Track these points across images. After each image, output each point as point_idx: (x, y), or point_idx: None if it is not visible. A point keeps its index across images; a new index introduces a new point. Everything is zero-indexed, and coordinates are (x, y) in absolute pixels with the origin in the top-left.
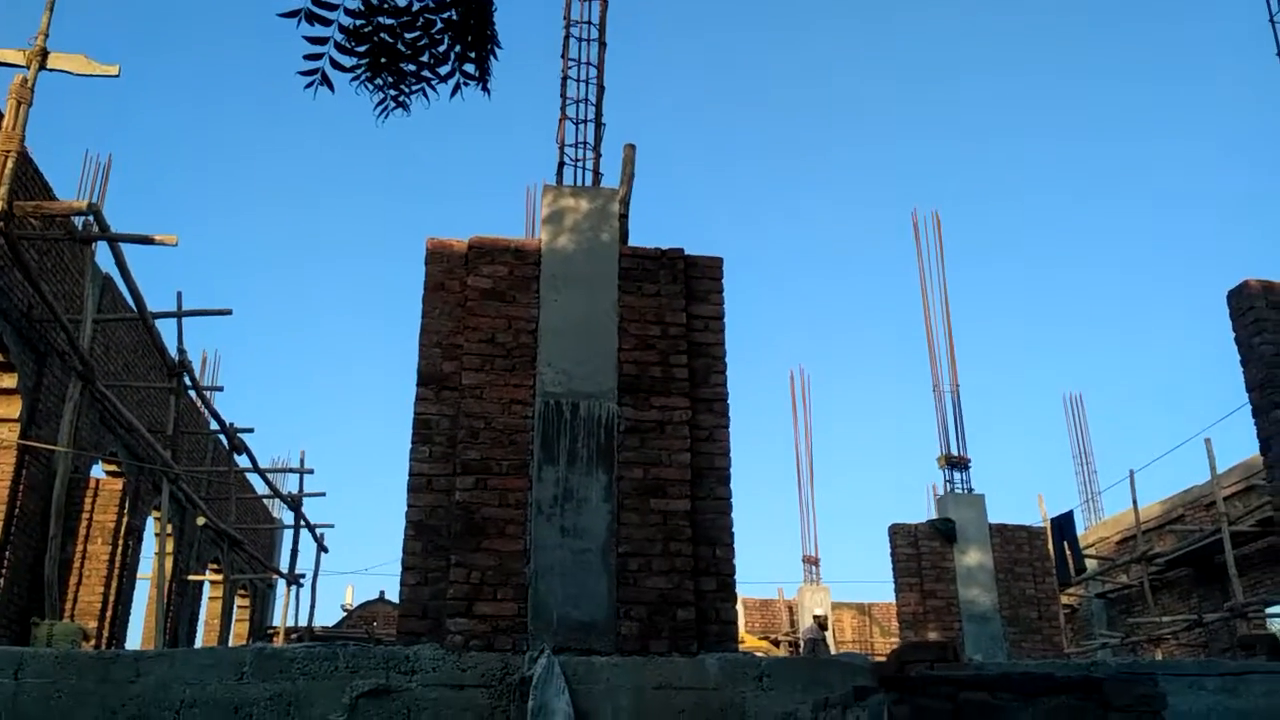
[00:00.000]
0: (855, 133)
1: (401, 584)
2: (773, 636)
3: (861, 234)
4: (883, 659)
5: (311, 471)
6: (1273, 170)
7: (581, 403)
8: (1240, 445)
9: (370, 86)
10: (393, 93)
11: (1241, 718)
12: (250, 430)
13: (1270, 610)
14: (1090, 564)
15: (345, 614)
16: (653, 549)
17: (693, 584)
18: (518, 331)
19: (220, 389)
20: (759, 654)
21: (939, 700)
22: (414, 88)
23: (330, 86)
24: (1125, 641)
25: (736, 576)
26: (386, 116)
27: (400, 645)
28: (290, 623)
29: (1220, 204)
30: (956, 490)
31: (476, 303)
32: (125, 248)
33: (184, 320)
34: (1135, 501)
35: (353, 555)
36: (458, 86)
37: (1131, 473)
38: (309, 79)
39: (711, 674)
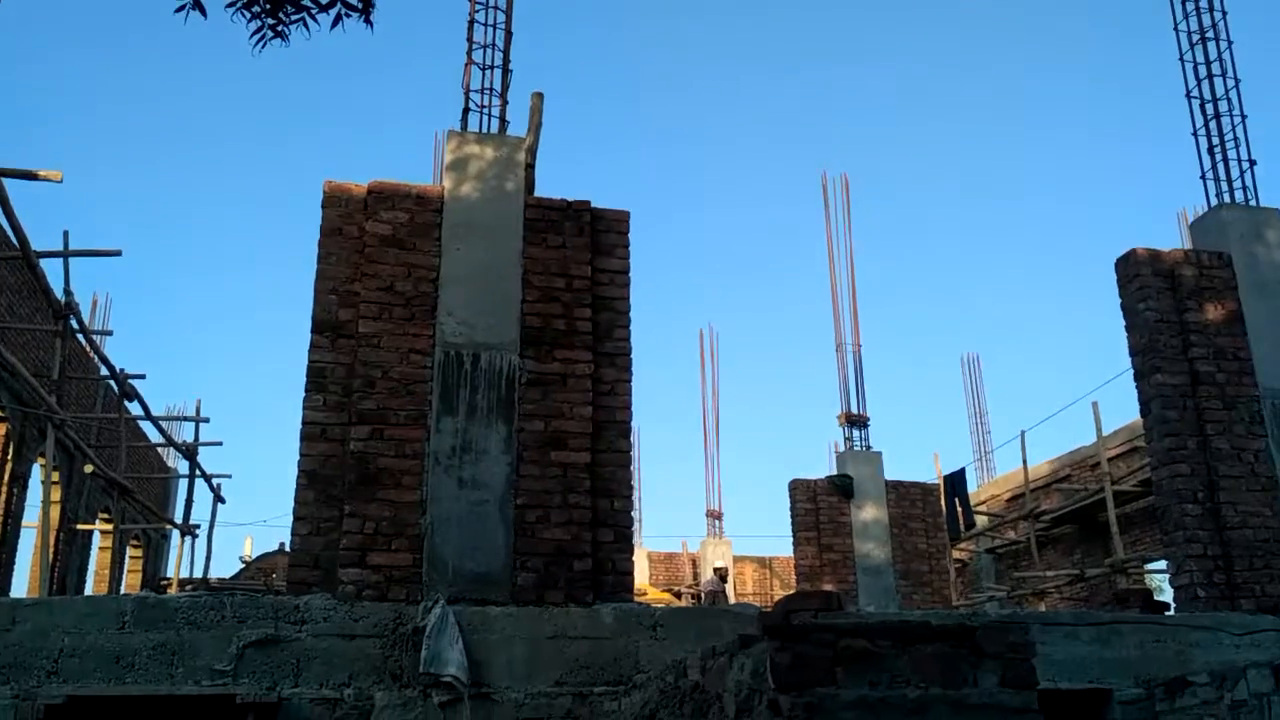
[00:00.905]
0: (773, 83)
1: (293, 534)
2: (675, 589)
3: (776, 192)
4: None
5: (207, 420)
6: (1157, 146)
7: (483, 354)
8: (1126, 408)
9: (246, 14)
10: (270, 21)
11: (1114, 666)
12: (142, 376)
13: (1149, 566)
14: (981, 520)
15: (243, 565)
16: (551, 501)
17: (590, 535)
18: (418, 280)
19: (110, 333)
20: (655, 605)
21: (820, 648)
22: (293, 17)
23: (202, 11)
24: (1011, 594)
25: (641, 530)
26: (263, 46)
27: (291, 595)
28: (185, 574)
29: (1113, 175)
30: (856, 448)
31: (375, 249)
32: (9, 188)
33: (72, 262)
34: (1025, 461)
35: (252, 506)
36: (339, 18)
37: (1022, 433)
38: (180, 2)
39: (606, 624)
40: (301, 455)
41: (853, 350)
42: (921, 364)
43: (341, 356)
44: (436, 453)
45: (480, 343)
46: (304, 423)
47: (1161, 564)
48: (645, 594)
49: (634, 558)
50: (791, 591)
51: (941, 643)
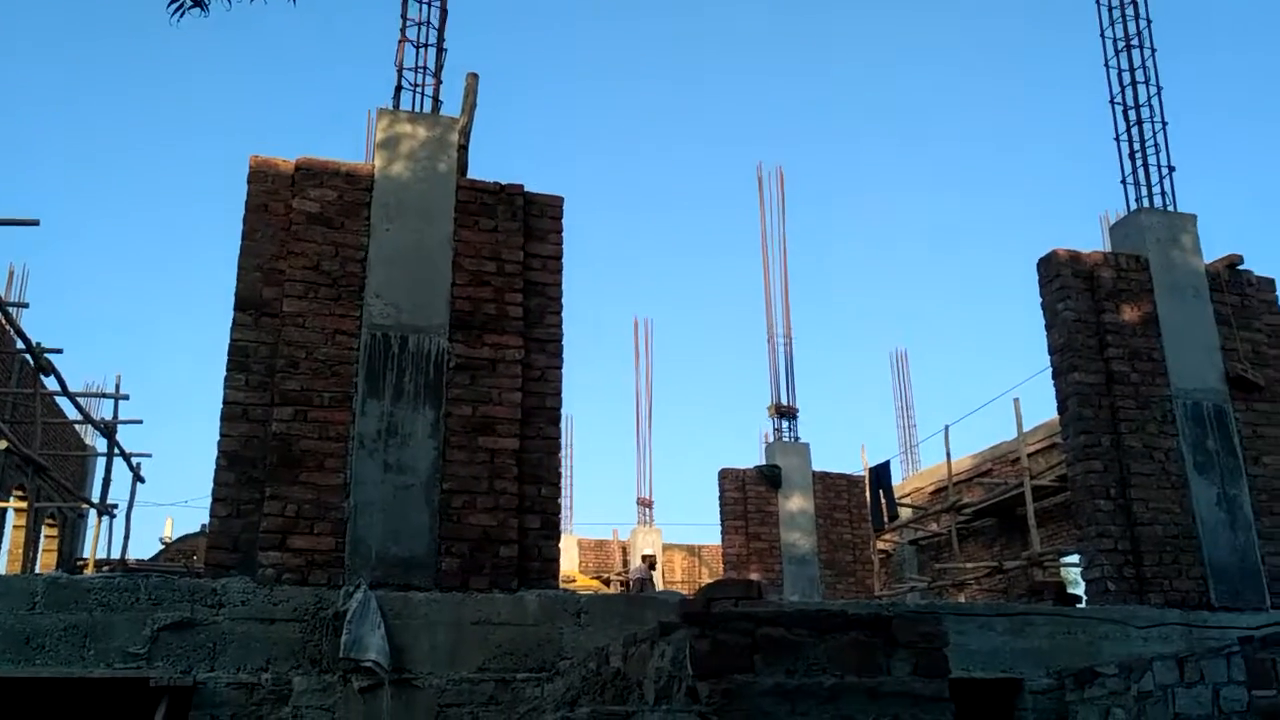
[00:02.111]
0: (712, 76)
1: (211, 515)
2: (604, 576)
3: (714, 184)
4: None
5: (127, 397)
6: (1085, 148)
7: (411, 336)
8: (1047, 405)
9: None
10: None
11: (1026, 656)
12: (59, 351)
13: (1065, 559)
14: (904, 512)
15: (163, 547)
16: (478, 486)
17: (517, 522)
18: (345, 259)
19: (26, 306)
20: (583, 592)
21: (739, 635)
22: None
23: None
24: (932, 585)
25: (572, 517)
26: (181, 15)
27: (208, 578)
28: (103, 554)
29: (1043, 176)
30: (784, 438)
31: (302, 227)
32: None
33: None
34: (948, 455)
35: (173, 487)
36: None
37: (946, 427)
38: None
39: (531, 610)
40: (222, 436)
41: (784, 342)
42: (851, 358)
43: (265, 336)
44: (361, 436)
45: (408, 325)
46: (225, 403)
47: (1076, 557)
48: (574, 581)
49: (563, 545)
50: (719, 579)
51: (857, 632)
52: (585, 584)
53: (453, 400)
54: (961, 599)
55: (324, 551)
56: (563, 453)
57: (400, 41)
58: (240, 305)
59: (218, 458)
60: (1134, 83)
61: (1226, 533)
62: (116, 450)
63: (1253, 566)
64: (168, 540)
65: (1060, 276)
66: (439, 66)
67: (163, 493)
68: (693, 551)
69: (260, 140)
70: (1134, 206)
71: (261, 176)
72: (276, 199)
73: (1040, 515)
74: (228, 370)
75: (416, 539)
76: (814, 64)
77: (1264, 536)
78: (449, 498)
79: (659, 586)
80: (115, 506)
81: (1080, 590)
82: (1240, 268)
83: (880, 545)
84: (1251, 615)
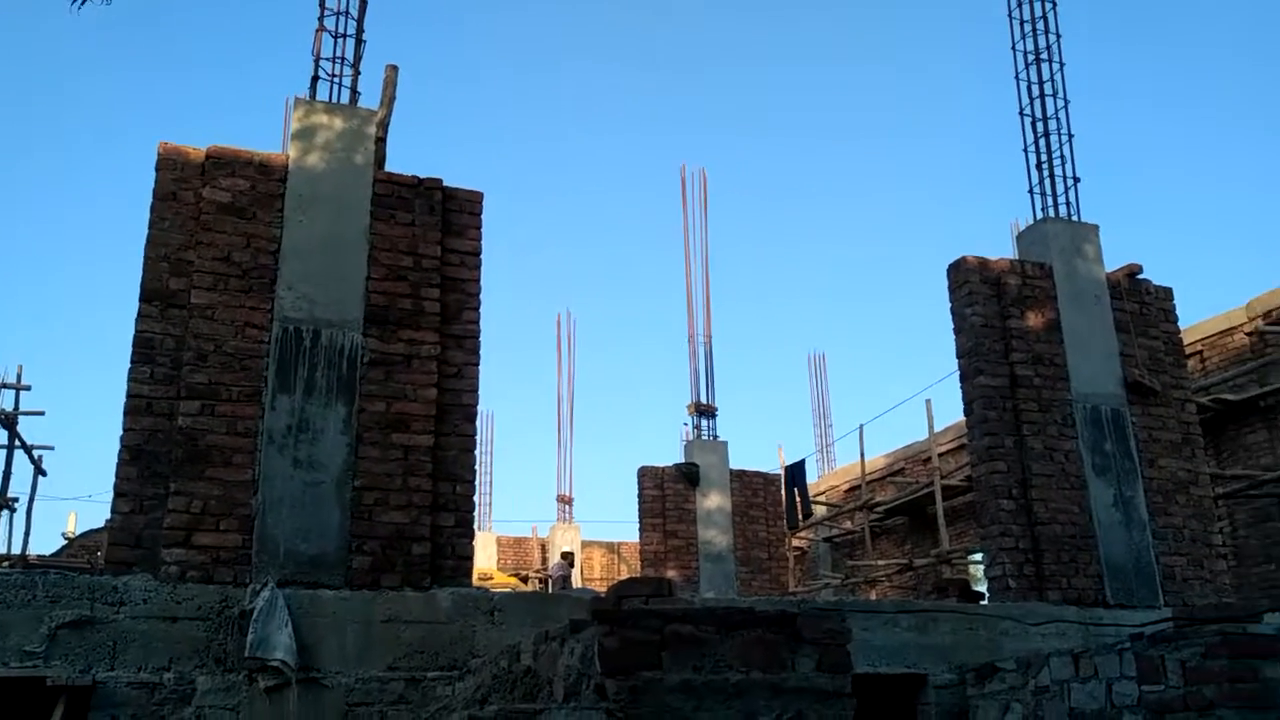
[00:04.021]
0: (638, 76)
1: (113, 511)
2: (523, 573)
3: (639, 184)
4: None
5: (29, 388)
6: (1000, 158)
7: (324, 331)
8: (957, 406)
9: None
10: None
11: (930, 652)
12: None
13: (972, 557)
14: (819, 510)
15: (66, 542)
16: (391, 483)
17: (430, 519)
18: (257, 251)
19: None
20: (500, 589)
21: (648, 633)
22: None
23: None
24: (845, 582)
25: (491, 514)
26: (82, 3)
27: (109, 575)
28: (2, 549)
29: (960, 183)
30: (703, 437)
31: (212, 216)
32: None
33: None
34: (862, 454)
35: (77, 480)
36: None
37: (861, 427)
38: None
39: (443, 608)
40: (125, 429)
41: (704, 342)
42: (770, 358)
43: (172, 328)
44: (271, 431)
45: (321, 319)
46: (129, 395)
47: (981, 555)
48: (491, 578)
49: (481, 542)
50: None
51: (764, 629)
52: (503, 581)
53: (366, 396)
54: (873, 595)
55: (230, 549)
56: (482, 449)
57: (318, 31)
58: (146, 296)
59: (120, 451)
60: (1042, 95)
61: (1122, 532)
62: (17, 442)
63: (1146, 565)
64: (71, 536)
65: (969, 283)
66: (358, 57)
67: (66, 487)
68: (612, 549)
69: (174, 130)
70: (1040, 216)
71: (170, 164)
72: (186, 188)
73: (949, 514)
74: (132, 362)
75: (327, 536)
76: (739, 66)
77: (1157, 536)
78: (361, 495)
79: (577, 584)
80: (15, 500)
81: (984, 587)
82: (1139, 277)
83: (795, 543)
84: (1144, 613)
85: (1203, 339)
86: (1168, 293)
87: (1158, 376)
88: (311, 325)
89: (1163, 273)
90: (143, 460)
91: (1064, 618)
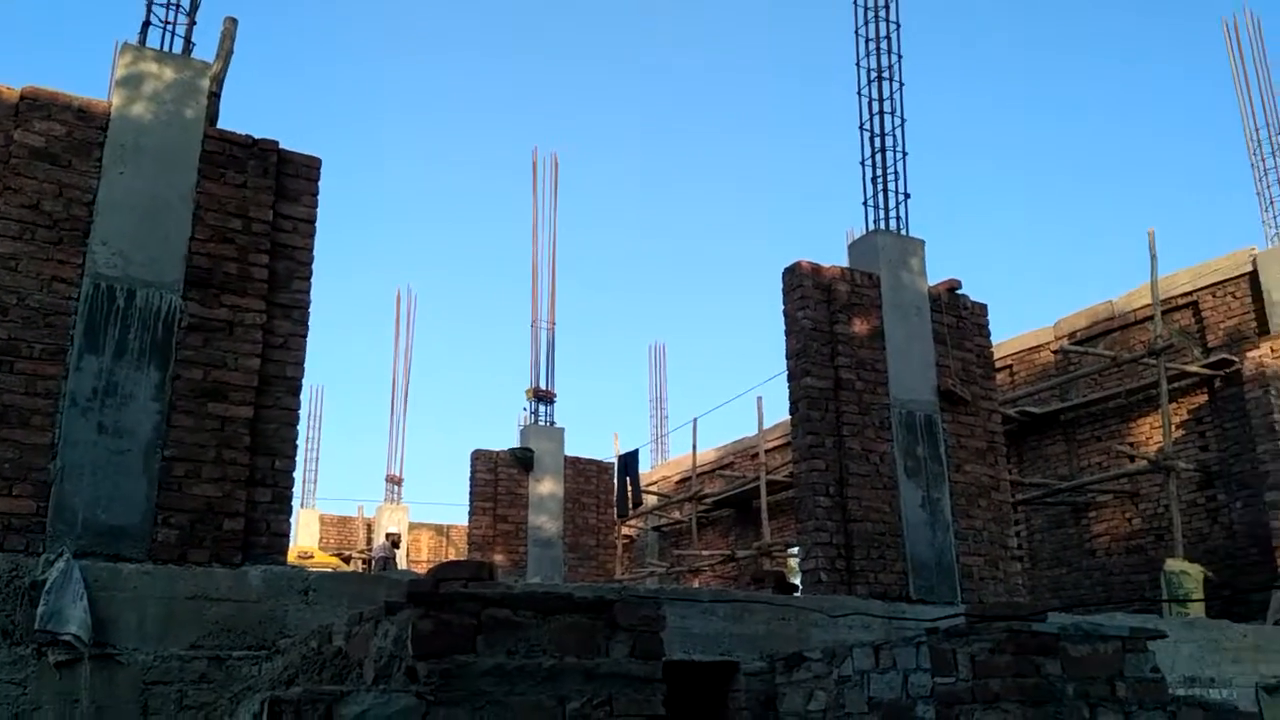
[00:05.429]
0: (492, 60)
1: None
2: (346, 553)
3: (492, 164)
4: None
5: None
6: (845, 168)
7: (139, 290)
8: (786, 405)
9: None
10: None
11: (744, 641)
12: None
13: (791, 550)
14: (650, 499)
15: None
16: (205, 455)
17: (246, 494)
18: (70, 201)
19: None
20: (322, 569)
21: (464, 616)
22: None
23: None
24: (670, 571)
25: (315, 491)
26: None
27: None
28: None
29: (807, 188)
30: (540, 422)
31: (23, 161)
32: None
33: None
34: (695, 446)
35: None
36: None
37: (695, 420)
38: None
39: (254, 586)
40: None
41: (547, 327)
42: (612, 346)
43: None
44: (74, 393)
45: (137, 278)
46: None
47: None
48: (312, 557)
49: (303, 520)
50: (450, 560)
51: (581, 615)
52: (323, 561)
53: (182, 362)
54: (696, 584)
55: (23, 515)
56: (309, 423)
57: None
58: None
59: None
60: (881, 112)
61: (927, 532)
62: None
63: (948, 564)
64: None
65: (802, 287)
66: (194, 6)
67: None
68: (441, 531)
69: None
70: (873, 227)
71: None
72: None
73: (773, 508)
74: None
75: (131, 507)
76: (597, 55)
77: (959, 537)
78: (171, 465)
79: (402, 566)
80: None
81: (799, 580)
82: (959, 292)
83: (625, 531)
84: (944, 608)
85: (1014, 354)
86: (983, 309)
87: (969, 387)
88: (126, 284)
89: (981, 290)
90: None
91: (870, 611)
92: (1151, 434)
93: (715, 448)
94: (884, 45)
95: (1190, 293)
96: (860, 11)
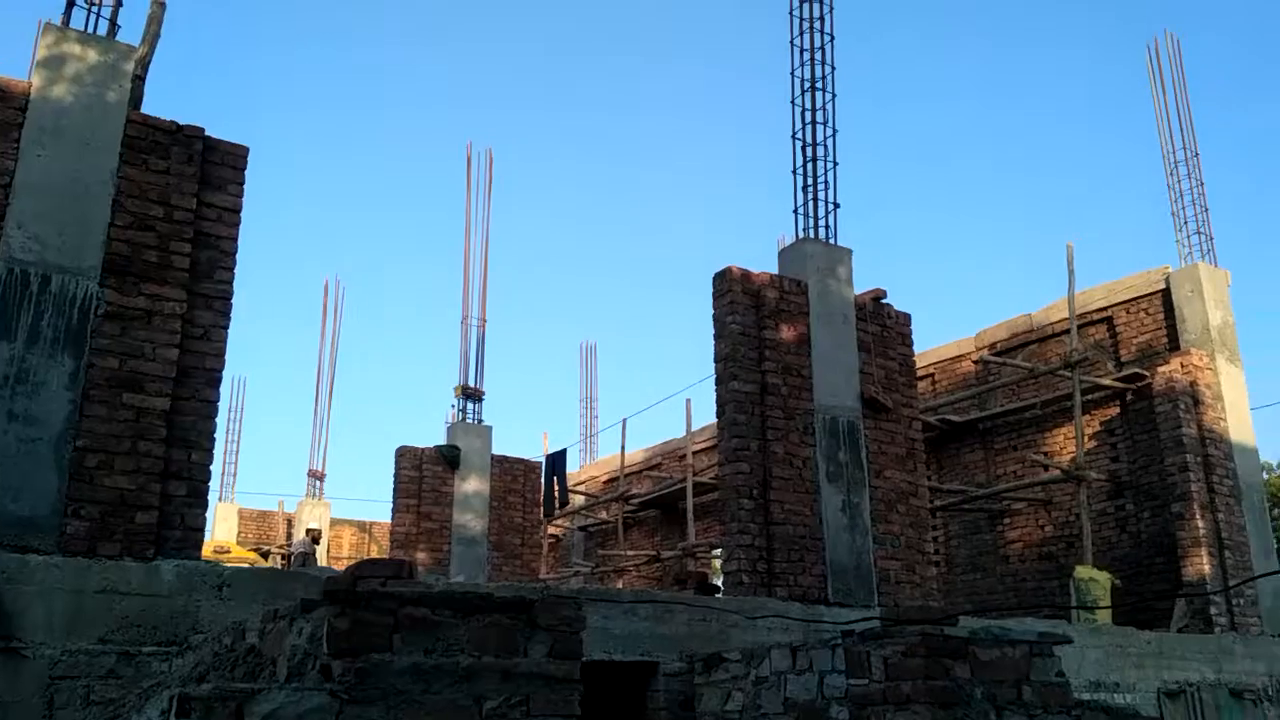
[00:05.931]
0: (428, 52)
1: None
2: (265, 549)
3: (426, 159)
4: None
5: None
6: (778, 175)
7: (55, 276)
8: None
9: None
10: None
11: (665, 641)
12: None
13: (715, 552)
14: (577, 499)
15: None
16: (118, 446)
17: (160, 487)
18: None
19: None
20: (239, 564)
21: (381, 614)
22: None
23: None
24: (595, 570)
25: (235, 485)
26: None
27: None
28: None
29: (739, 195)
30: (468, 420)
31: None
32: None
33: None
34: (623, 447)
35: None
36: None
37: (624, 420)
38: None
39: (166, 581)
40: None
41: (478, 324)
42: (543, 344)
43: None
44: None
45: (53, 264)
46: None
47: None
48: (229, 552)
49: (222, 514)
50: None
51: (500, 614)
52: (240, 556)
53: (98, 351)
54: (621, 584)
55: None
56: (230, 416)
57: None
58: None
59: None
60: (814, 122)
61: (846, 536)
62: None
63: (866, 568)
64: None
65: (731, 292)
66: None
67: None
68: (363, 528)
69: None
70: (802, 235)
71: None
72: None
73: (699, 510)
74: None
75: (40, 498)
76: (547, 51)
77: (878, 541)
78: (83, 456)
79: (322, 562)
80: None
81: (721, 581)
82: (884, 301)
83: (551, 530)
84: (860, 611)
85: (935, 363)
86: (907, 318)
87: (891, 394)
88: (41, 269)
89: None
90: None
91: (788, 614)
92: (1065, 444)
93: (644, 448)
94: (818, 56)
95: (1105, 308)
96: (795, 22)
